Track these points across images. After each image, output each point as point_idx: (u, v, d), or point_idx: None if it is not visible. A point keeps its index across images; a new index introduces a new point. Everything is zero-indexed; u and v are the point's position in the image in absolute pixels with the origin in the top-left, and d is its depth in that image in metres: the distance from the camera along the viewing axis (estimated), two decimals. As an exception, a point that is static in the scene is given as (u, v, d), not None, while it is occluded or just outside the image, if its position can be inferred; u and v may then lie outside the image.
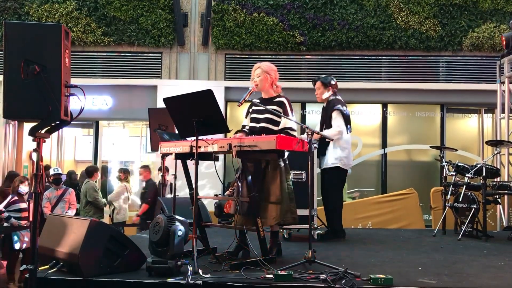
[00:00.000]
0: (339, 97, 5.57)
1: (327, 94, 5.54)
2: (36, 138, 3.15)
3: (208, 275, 3.30)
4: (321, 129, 5.49)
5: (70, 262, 3.30)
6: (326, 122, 5.47)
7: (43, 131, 3.19)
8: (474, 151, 10.11)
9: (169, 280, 3.20)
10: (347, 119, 5.44)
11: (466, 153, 9.83)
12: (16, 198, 6.84)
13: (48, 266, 3.42)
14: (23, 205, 6.83)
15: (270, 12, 10.00)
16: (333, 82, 5.57)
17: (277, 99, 4.23)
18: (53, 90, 3.08)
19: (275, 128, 4.15)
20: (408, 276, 3.47)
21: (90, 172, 8.48)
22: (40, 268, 3.33)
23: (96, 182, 8.69)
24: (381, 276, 3.20)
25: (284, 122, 4.12)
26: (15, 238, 6.70)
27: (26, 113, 3.12)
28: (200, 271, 3.32)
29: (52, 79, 3.10)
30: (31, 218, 5.22)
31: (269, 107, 4.11)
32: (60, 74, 3.14)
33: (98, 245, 3.33)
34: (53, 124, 3.22)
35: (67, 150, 11.31)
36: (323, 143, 5.44)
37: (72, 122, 3.40)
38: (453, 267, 3.87)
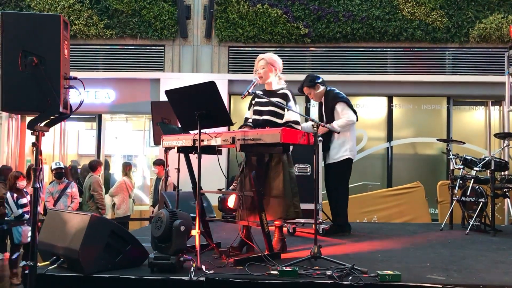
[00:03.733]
0: (332, 88, 5.45)
1: (320, 91, 5.42)
2: (35, 131, 3.08)
3: (212, 271, 3.23)
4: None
5: (71, 258, 3.23)
6: (328, 115, 5.36)
7: (42, 124, 3.12)
8: (480, 144, 9.99)
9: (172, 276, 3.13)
10: (352, 108, 5.34)
11: (473, 146, 9.70)
12: (16, 195, 6.80)
13: (48, 262, 3.36)
14: (24, 200, 6.79)
15: (274, 3, 9.87)
16: (317, 80, 5.42)
17: (281, 91, 4.14)
18: (51, 82, 3.00)
19: (279, 121, 4.06)
20: (417, 272, 3.39)
21: (93, 166, 8.42)
22: (40, 264, 3.27)
23: (99, 176, 8.63)
24: (389, 272, 3.12)
25: (288, 116, 4.03)
26: (16, 232, 6.67)
27: (24, 105, 3.04)
28: (203, 267, 3.25)
29: (51, 71, 3.02)
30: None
31: (272, 99, 4.02)
32: (59, 65, 3.05)
33: (99, 240, 3.26)
34: (52, 117, 3.14)
35: (70, 144, 11.26)
36: (327, 138, 5.34)
37: (75, 116, 3.34)
38: (462, 263, 3.79)
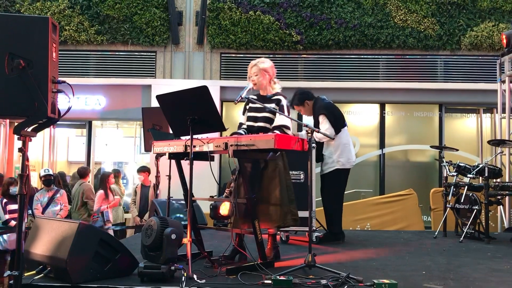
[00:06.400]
0: (319, 98, 5.40)
1: (309, 107, 5.38)
2: (21, 136, 2.98)
3: (203, 281, 3.14)
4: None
5: (58, 267, 3.13)
6: (316, 126, 5.31)
7: (29, 129, 3.02)
8: (472, 151, 10.01)
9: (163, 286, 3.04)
10: (336, 119, 5.25)
11: (465, 153, 9.71)
12: (6, 200, 6.70)
13: (34, 272, 3.25)
14: (13, 207, 6.66)
15: (266, 10, 9.86)
16: (306, 97, 5.37)
17: (275, 97, 4.08)
18: (39, 86, 2.91)
19: (273, 127, 4.00)
20: (413, 280, 3.33)
21: (82, 173, 8.30)
22: (25, 274, 3.17)
23: (89, 182, 8.51)
24: (385, 281, 3.06)
25: (278, 120, 3.96)
26: (1, 238, 6.54)
27: (10, 110, 2.93)
28: (194, 276, 3.16)
29: (39, 75, 2.92)
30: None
31: (266, 105, 3.95)
32: (47, 69, 2.96)
33: (87, 249, 3.16)
34: (39, 122, 3.05)
35: (60, 151, 11.12)
36: (318, 149, 5.29)
37: (64, 123, 3.26)
38: (458, 271, 3.73)
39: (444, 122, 9.99)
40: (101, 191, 7.80)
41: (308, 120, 5.66)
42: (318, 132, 4.20)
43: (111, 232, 7.81)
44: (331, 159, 5.21)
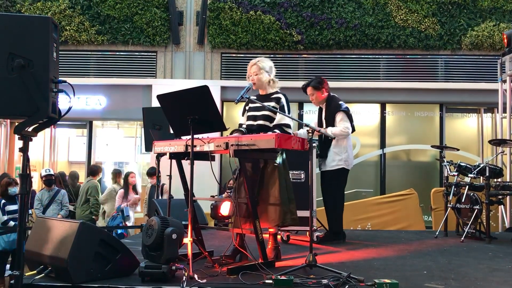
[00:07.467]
0: (335, 95, 5.44)
1: (323, 96, 5.39)
2: (22, 136, 2.98)
3: (204, 281, 3.14)
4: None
5: (59, 267, 3.13)
6: (329, 122, 5.32)
7: (30, 129, 3.02)
8: (473, 151, 10.00)
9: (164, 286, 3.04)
10: (351, 119, 5.31)
11: (465, 153, 9.71)
12: (4, 201, 6.68)
13: (35, 272, 3.24)
14: (12, 207, 6.65)
15: (266, 10, 9.86)
16: (324, 85, 5.38)
17: (275, 96, 4.08)
18: (39, 86, 2.90)
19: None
20: (414, 280, 3.32)
21: (94, 171, 8.44)
22: (26, 274, 3.16)
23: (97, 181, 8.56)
24: (387, 281, 3.05)
25: (279, 118, 3.97)
26: (1, 239, 6.53)
27: (11, 110, 2.93)
28: (195, 276, 3.16)
29: (39, 74, 2.92)
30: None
31: (266, 104, 3.95)
32: (47, 69, 2.95)
33: (88, 249, 3.16)
34: (40, 121, 3.04)
35: (61, 150, 11.13)
36: (325, 145, 5.30)
37: (65, 123, 3.25)
38: (459, 271, 3.73)
39: (445, 122, 9.99)
40: (121, 190, 7.91)
41: (310, 120, 5.64)
42: (318, 130, 4.20)
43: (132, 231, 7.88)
44: (340, 157, 5.24)
